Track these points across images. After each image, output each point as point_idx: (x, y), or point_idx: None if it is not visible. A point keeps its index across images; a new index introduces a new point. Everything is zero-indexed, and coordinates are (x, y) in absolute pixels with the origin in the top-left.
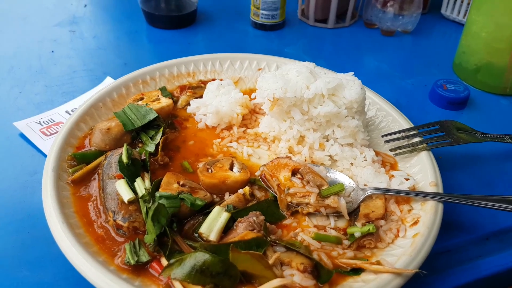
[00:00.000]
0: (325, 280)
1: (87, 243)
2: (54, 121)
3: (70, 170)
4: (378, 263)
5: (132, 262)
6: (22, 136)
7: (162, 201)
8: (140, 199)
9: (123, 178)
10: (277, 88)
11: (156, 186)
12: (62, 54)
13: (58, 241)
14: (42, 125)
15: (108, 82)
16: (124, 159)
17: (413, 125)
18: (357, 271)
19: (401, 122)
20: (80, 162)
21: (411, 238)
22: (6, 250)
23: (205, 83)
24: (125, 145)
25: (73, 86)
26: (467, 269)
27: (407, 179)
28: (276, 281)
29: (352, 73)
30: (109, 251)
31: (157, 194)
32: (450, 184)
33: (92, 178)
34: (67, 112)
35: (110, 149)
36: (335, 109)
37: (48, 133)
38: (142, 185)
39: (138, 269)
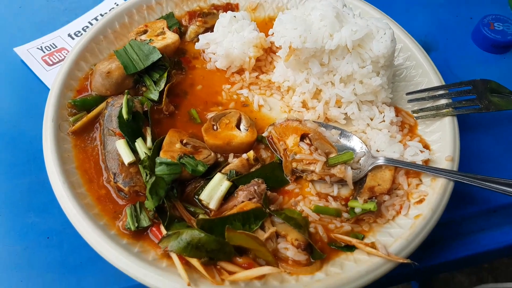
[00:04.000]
0: (317, 258)
1: (88, 204)
2: (56, 46)
3: (70, 119)
4: (373, 245)
5: (133, 228)
6: (24, 63)
7: (162, 167)
8: (139, 165)
9: (123, 137)
10: (295, 37)
11: (157, 147)
12: None
13: (61, 202)
14: (44, 52)
15: None
16: (125, 115)
17: (443, 83)
18: (350, 247)
19: (431, 77)
20: (81, 109)
21: (412, 218)
22: (14, 194)
23: (218, 8)
24: (125, 96)
25: (75, 1)
26: (466, 243)
27: (422, 151)
28: (267, 269)
29: (385, 19)
30: (110, 213)
31: (157, 160)
32: (470, 147)
33: (95, 127)
34: (69, 35)
35: (112, 94)
36: (358, 68)
37: (51, 62)
38: (143, 147)
39: (139, 232)
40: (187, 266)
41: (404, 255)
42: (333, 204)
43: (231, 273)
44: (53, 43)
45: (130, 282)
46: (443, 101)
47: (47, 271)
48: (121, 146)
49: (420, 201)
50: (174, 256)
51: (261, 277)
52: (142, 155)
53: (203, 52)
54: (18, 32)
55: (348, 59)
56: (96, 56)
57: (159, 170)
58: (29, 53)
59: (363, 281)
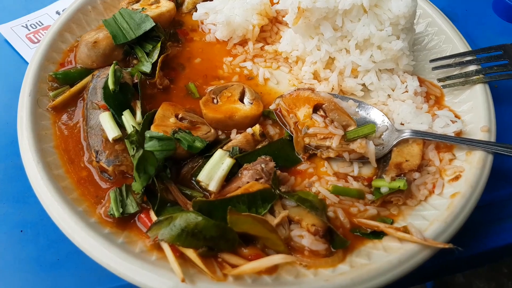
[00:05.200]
0: (339, 247)
1: (66, 187)
2: (42, 24)
3: (51, 94)
4: (405, 229)
5: (117, 214)
6: (7, 42)
7: (153, 142)
8: (126, 140)
9: (108, 110)
10: None
11: (148, 121)
12: None
13: (34, 184)
14: (29, 30)
15: None
16: (111, 85)
17: (470, 48)
18: (378, 234)
19: (456, 43)
20: (63, 83)
21: (448, 197)
22: None
23: None
24: (112, 65)
25: None
26: (507, 229)
27: (453, 121)
28: (278, 258)
29: None
30: (91, 197)
31: (147, 134)
32: (504, 123)
33: (78, 103)
34: (57, 13)
35: (98, 67)
36: (376, 30)
37: (35, 40)
38: (130, 120)
39: (124, 220)
40: (182, 259)
41: (443, 240)
42: (354, 185)
43: (234, 266)
44: (39, 21)
45: (116, 282)
46: (471, 68)
47: (19, 269)
48: (105, 119)
49: (456, 178)
50: (165, 247)
51: (271, 271)
52: (129, 129)
53: (202, 23)
54: (3, 11)
55: (364, 21)
56: (83, 28)
57: (149, 145)
58: (13, 31)
59: (396, 272)
